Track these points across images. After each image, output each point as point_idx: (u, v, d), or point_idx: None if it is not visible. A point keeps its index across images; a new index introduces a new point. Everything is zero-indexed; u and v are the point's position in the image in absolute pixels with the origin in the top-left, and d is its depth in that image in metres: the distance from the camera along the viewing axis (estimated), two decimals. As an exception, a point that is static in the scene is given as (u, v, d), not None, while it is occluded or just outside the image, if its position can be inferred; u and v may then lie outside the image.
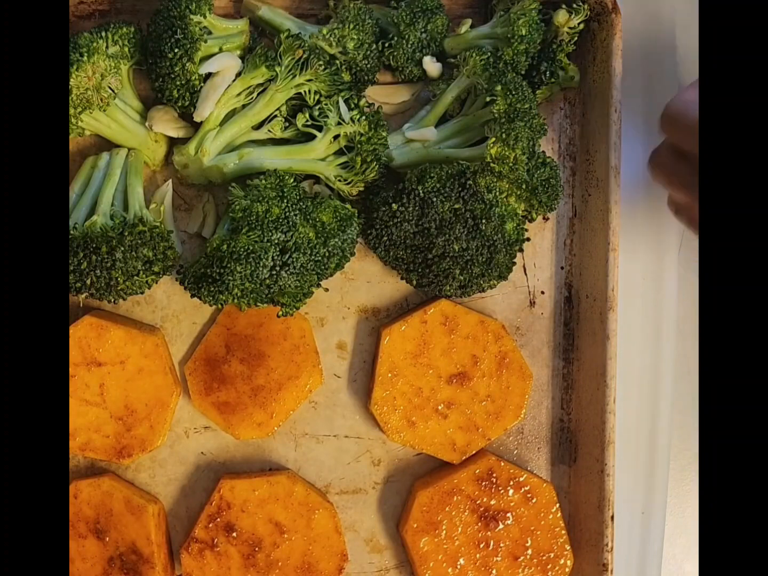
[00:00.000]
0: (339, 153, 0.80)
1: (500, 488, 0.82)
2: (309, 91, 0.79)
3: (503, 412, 0.83)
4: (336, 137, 0.79)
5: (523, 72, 0.82)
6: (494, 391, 0.83)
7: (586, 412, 0.84)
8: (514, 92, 0.77)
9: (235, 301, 0.76)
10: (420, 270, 0.80)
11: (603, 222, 0.82)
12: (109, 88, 0.77)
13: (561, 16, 0.81)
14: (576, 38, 0.83)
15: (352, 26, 0.79)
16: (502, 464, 0.82)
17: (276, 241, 0.75)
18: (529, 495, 0.82)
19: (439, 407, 0.82)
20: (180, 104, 0.79)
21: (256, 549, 0.81)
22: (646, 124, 0.88)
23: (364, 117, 0.78)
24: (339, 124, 0.78)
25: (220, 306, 0.78)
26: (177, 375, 0.84)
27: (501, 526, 0.82)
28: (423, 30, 0.81)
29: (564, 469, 0.87)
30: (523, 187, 0.79)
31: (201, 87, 0.79)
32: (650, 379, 0.87)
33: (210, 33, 0.78)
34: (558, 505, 0.83)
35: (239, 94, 0.80)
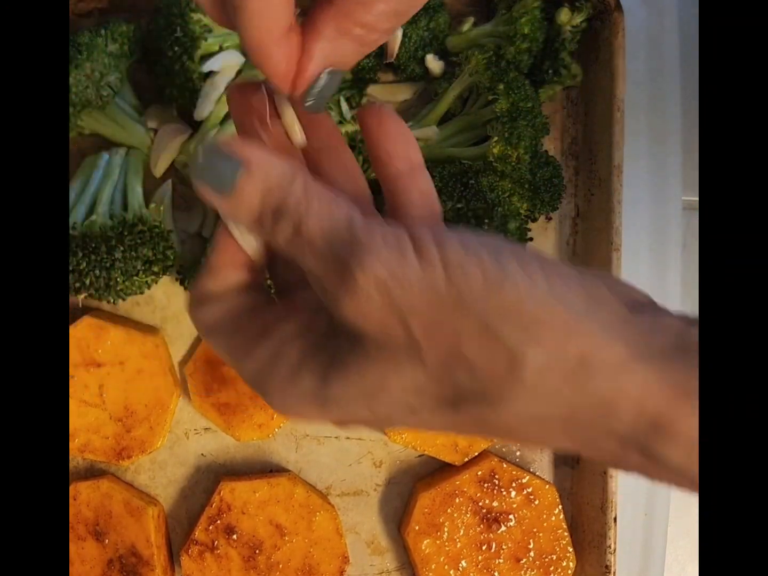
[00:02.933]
0: (340, 152, 0.79)
1: (502, 490, 0.82)
2: (310, 90, 0.78)
3: (505, 413, 0.82)
4: (337, 136, 0.78)
5: (525, 71, 0.81)
6: (496, 392, 0.82)
7: (589, 413, 0.83)
8: (516, 91, 0.77)
9: (236, 301, 0.76)
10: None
11: (606, 221, 0.81)
12: (109, 86, 0.77)
13: (563, 15, 0.80)
14: (579, 37, 0.82)
15: (353, 25, 0.79)
16: (505, 466, 0.82)
17: (277, 241, 0.74)
18: (531, 496, 0.82)
19: (441, 408, 0.82)
20: (180, 103, 0.79)
21: (257, 551, 0.81)
22: (649, 123, 0.87)
23: (365, 116, 0.78)
24: (340, 122, 0.78)
25: (220, 306, 0.78)
26: (177, 376, 0.83)
27: (503, 527, 0.82)
28: (425, 28, 0.81)
29: (567, 470, 0.86)
30: (526, 186, 0.79)
31: (201, 85, 0.79)
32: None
33: (210, 31, 0.78)
34: (560, 506, 0.82)
35: (240, 93, 0.79)
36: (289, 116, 0.46)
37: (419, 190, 0.45)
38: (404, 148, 0.46)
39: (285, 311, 0.43)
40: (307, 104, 0.44)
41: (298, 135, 0.46)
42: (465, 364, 0.36)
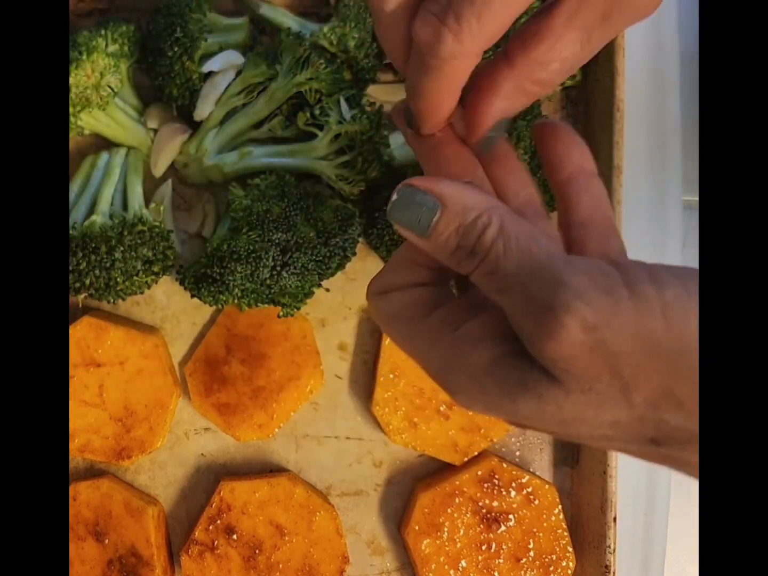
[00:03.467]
0: (340, 152, 0.79)
1: (502, 490, 0.82)
2: (310, 90, 0.78)
3: (505, 413, 0.82)
4: (337, 136, 0.78)
5: (525, 71, 0.81)
6: (496, 392, 0.82)
7: (589, 413, 0.83)
8: (516, 91, 0.77)
9: (236, 301, 0.76)
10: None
11: (606, 221, 0.81)
12: (109, 86, 0.77)
13: (563, 15, 0.80)
14: (579, 37, 0.82)
15: (353, 25, 0.79)
16: (505, 466, 0.82)
17: (277, 241, 0.74)
18: (531, 496, 0.82)
19: (441, 408, 0.82)
20: (180, 103, 0.79)
21: (257, 551, 0.81)
22: (649, 124, 0.87)
23: (365, 116, 0.78)
24: (340, 122, 0.78)
25: (220, 306, 0.78)
26: (177, 376, 0.83)
27: (503, 527, 0.82)
28: (425, 28, 0.81)
29: (566, 470, 0.86)
30: (526, 186, 0.79)
31: (201, 86, 0.79)
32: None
33: (210, 31, 0.78)
34: (560, 506, 0.82)
35: (239, 93, 0.79)
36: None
37: (591, 194, 0.44)
38: (578, 155, 0.45)
39: (470, 308, 0.42)
40: (482, 148, 0.45)
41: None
42: (676, 406, 0.35)
